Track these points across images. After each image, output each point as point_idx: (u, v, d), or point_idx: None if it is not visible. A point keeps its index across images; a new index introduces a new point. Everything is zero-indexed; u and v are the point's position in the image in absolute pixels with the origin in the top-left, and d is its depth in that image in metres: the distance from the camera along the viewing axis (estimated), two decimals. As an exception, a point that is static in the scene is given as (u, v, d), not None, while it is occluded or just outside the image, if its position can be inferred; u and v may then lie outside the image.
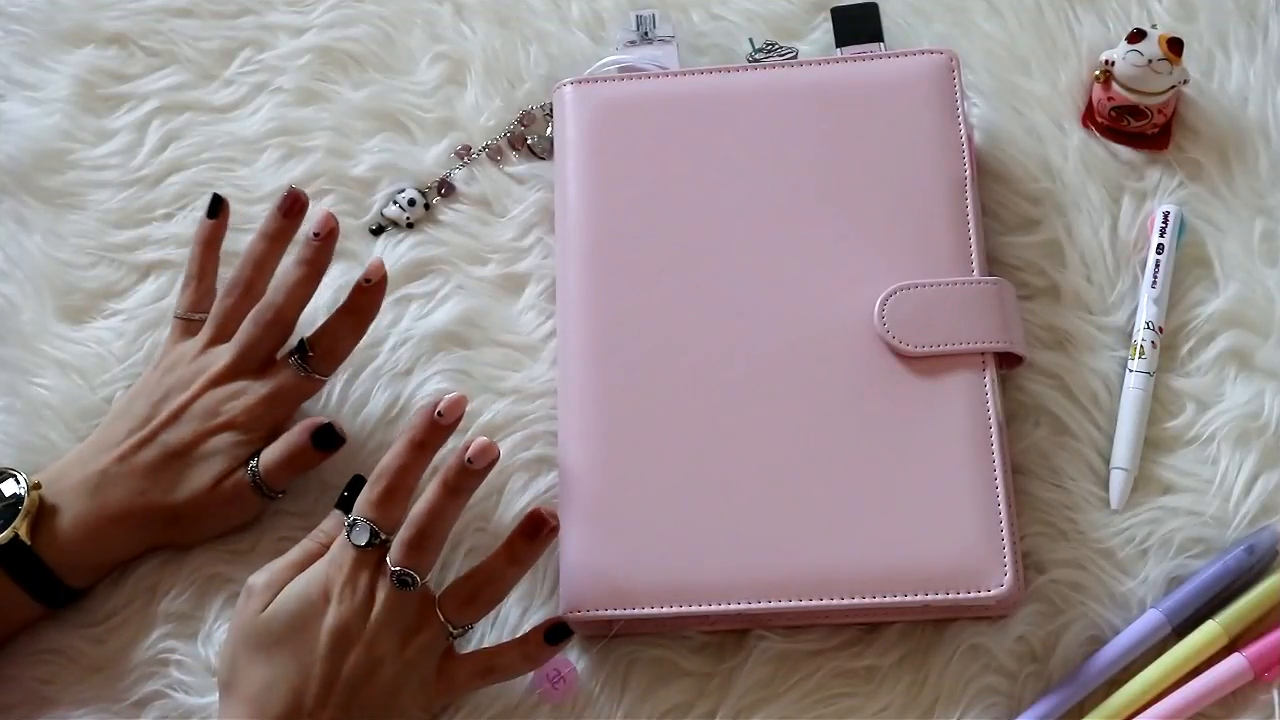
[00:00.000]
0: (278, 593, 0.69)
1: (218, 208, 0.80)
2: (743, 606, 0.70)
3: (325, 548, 0.71)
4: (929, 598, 0.69)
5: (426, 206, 0.84)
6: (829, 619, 0.72)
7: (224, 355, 0.76)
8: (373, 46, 0.88)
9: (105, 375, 0.81)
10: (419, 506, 0.69)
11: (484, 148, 0.85)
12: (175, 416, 0.75)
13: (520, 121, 0.86)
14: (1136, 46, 0.79)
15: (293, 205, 0.77)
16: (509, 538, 0.70)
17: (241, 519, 0.77)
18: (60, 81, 0.89)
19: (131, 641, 0.75)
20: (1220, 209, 0.80)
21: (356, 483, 0.73)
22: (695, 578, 0.71)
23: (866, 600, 0.69)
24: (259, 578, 0.70)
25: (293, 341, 0.77)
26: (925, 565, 0.70)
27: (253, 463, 0.75)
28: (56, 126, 0.87)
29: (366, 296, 0.76)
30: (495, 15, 0.89)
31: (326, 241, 0.76)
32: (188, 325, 0.79)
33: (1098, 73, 0.81)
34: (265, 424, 0.76)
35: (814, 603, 0.70)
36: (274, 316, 0.76)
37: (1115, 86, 0.80)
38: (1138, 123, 0.81)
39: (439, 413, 0.69)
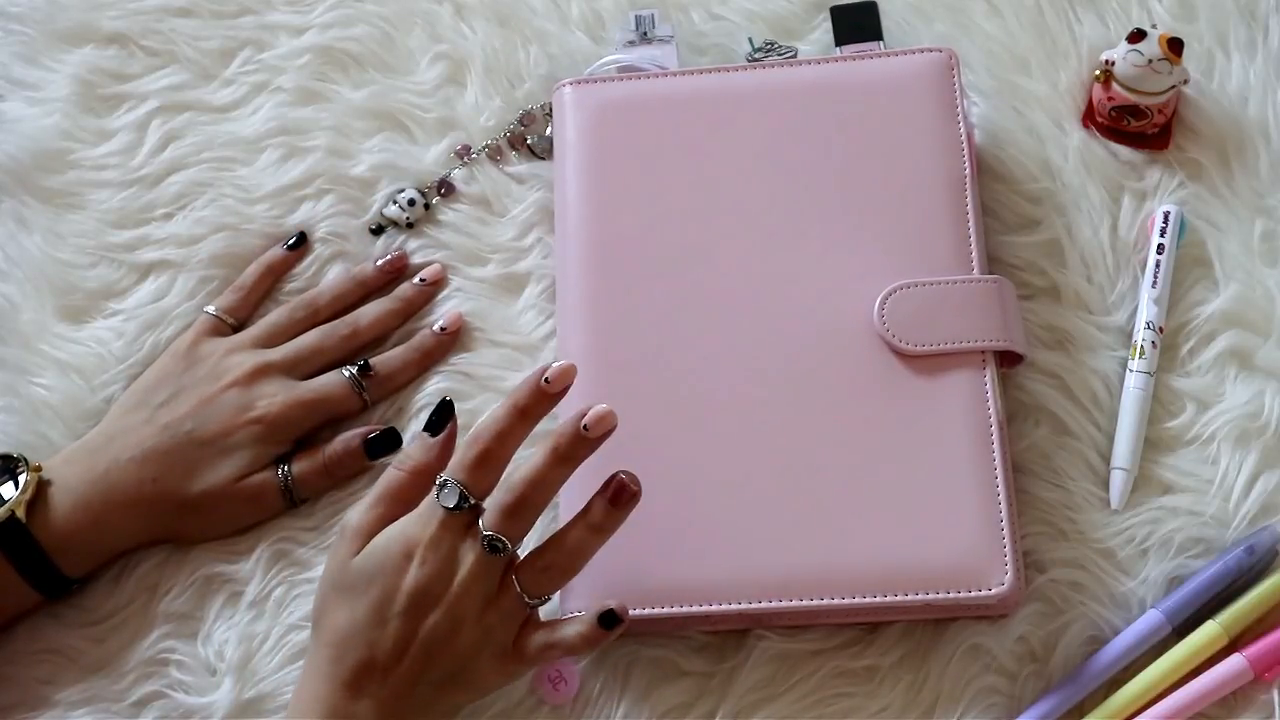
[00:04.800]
0: (369, 537, 0.68)
1: (299, 244, 0.83)
2: (743, 606, 0.70)
3: (411, 474, 0.69)
4: (930, 597, 0.69)
5: (426, 206, 0.84)
6: (829, 619, 0.72)
7: (273, 354, 0.78)
8: (373, 46, 0.88)
9: (105, 375, 0.81)
10: (522, 472, 0.67)
11: (484, 148, 0.85)
12: (204, 404, 0.76)
13: (520, 121, 0.86)
14: (1137, 46, 0.79)
15: (394, 265, 0.82)
16: (589, 504, 0.68)
17: (253, 520, 0.77)
18: (60, 81, 0.89)
19: (131, 641, 0.75)
20: (1220, 209, 0.80)
21: (444, 406, 0.71)
22: (696, 578, 0.71)
23: (867, 600, 0.69)
24: (352, 518, 0.69)
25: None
26: (926, 564, 0.70)
27: (284, 467, 0.75)
28: (56, 126, 0.87)
29: (437, 342, 0.80)
30: (495, 15, 0.89)
31: (431, 286, 0.81)
32: (218, 325, 0.80)
33: (1098, 73, 0.81)
34: (296, 428, 0.77)
35: (814, 602, 0.70)
36: (348, 333, 0.79)
37: (1115, 86, 0.80)
38: (1138, 123, 0.81)
39: (546, 379, 0.68)
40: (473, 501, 0.67)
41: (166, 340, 0.81)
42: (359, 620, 0.66)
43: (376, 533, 0.68)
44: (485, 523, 0.67)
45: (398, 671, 0.66)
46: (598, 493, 0.68)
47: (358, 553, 0.68)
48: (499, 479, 0.68)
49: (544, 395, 0.68)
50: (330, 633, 0.67)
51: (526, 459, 0.68)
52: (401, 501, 0.69)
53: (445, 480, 0.67)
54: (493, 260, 0.83)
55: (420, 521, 0.68)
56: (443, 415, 0.70)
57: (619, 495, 0.68)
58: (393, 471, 0.70)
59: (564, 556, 0.68)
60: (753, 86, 0.80)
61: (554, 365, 0.68)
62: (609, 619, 0.68)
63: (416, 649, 0.66)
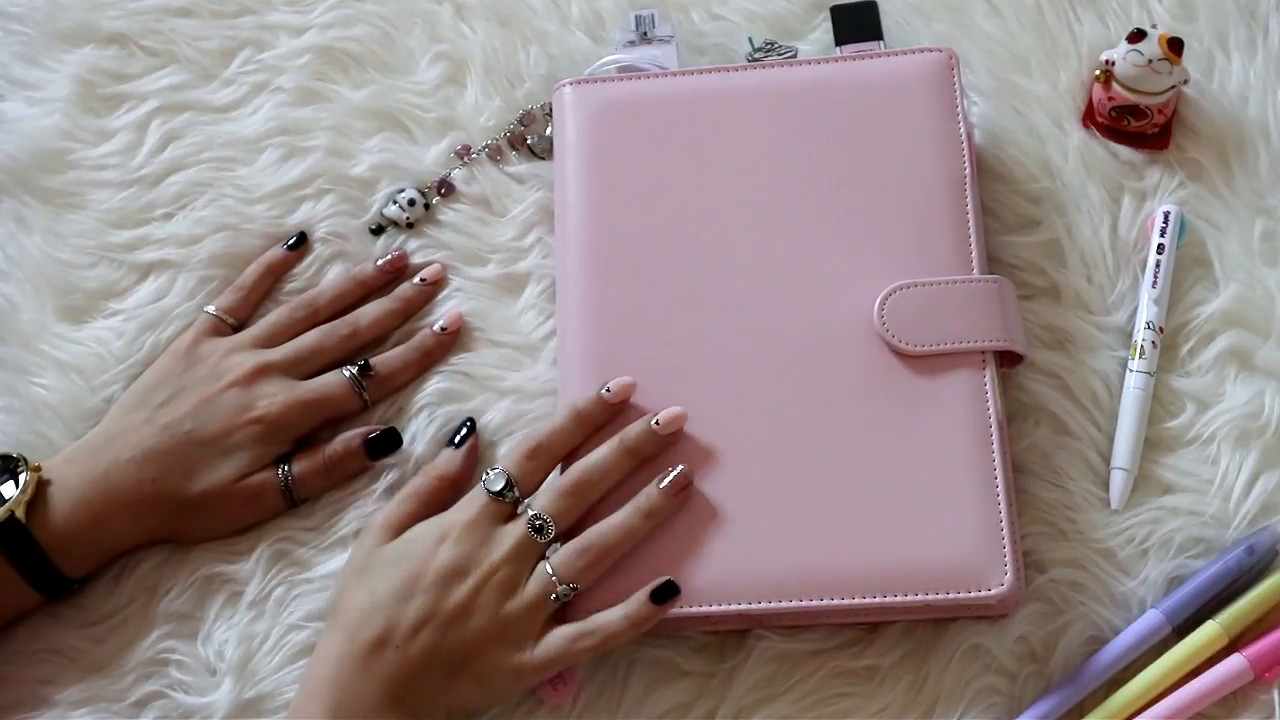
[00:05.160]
0: (397, 531, 0.70)
1: (300, 244, 0.83)
2: (743, 607, 0.70)
3: (438, 480, 0.73)
4: (930, 597, 0.69)
5: (426, 206, 0.84)
6: (829, 619, 0.72)
7: (273, 354, 0.78)
8: (373, 46, 0.88)
9: (105, 375, 0.81)
10: (585, 460, 0.71)
11: (484, 148, 0.85)
12: (204, 404, 0.76)
13: (520, 121, 0.86)
14: (1137, 46, 0.79)
15: (394, 265, 0.82)
16: (644, 492, 0.70)
17: (253, 520, 0.77)
18: (60, 81, 0.89)
19: (131, 641, 0.75)
20: (1220, 209, 0.80)
21: (467, 423, 0.75)
22: (696, 578, 0.70)
23: (867, 600, 0.69)
24: (377, 516, 0.72)
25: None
26: (926, 564, 0.70)
27: (284, 467, 0.76)
28: (56, 126, 0.87)
29: (437, 342, 0.80)
30: (495, 15, 0.89)
31: (431, 286, 0.81)
32: (218, 325, 0.80)
33: (1098, 73, 0.81)
34: (296, 428, 0.77)
35: (814, 603, 0.70)
36: (348, 333, 0.79)
37: (1115, 86, 0.80)
38: (1138, 123, 0.81)
39: (607, 389, 0.72)
40: (515, 493, 0.70)
41: (166, 340, 0.81)
42: (380, 597, 0.68)
43: (406, 527, 0.71)
44: (535, 503, 0.69)
45: (412, 647, 0.67)
46: (654, 482, 0.70)
47: (386, 543, 0.70)
48: (545, 478, 0.71)
49: (604, 405, 0.72)
50: (347, 613, 0.68)
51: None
52: (428, 505, 0.72)
53: (494, 467, 0.70)
54: (493, 260, 0.83)
55: (460, 508, 0.70)
56: (466, 431, 0.75)
57: (679, 486, 0.70)
58: (419, 477, 0.73)
59: (606, 538, 0.69)
60: (753, 86, 0.80)
61: (615, 380, 0.72)
62: (665, 590, 0.69)
63: (434, 625, 0.67)
